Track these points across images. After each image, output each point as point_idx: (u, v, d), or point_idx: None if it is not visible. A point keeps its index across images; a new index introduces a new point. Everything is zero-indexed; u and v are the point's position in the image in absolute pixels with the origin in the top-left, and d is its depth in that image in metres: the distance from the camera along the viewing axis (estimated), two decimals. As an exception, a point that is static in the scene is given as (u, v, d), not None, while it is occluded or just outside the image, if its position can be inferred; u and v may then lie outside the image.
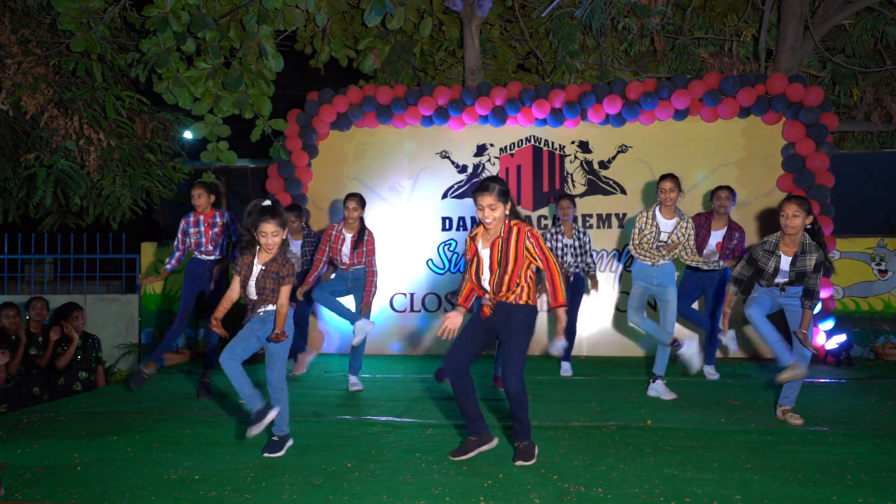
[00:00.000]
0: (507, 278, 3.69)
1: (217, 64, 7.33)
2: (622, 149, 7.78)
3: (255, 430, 3.84)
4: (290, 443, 4.01)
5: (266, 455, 3.87)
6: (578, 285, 6.46)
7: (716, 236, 5.98)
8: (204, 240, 5.54)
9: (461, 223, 7.96)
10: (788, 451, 3.94)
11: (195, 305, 5.81)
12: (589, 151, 7.85)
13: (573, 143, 7.87)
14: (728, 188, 6.02)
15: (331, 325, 7.93)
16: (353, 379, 5.85)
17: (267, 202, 3.86)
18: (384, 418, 4.80)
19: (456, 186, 8.00)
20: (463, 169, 8.00)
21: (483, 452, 3.87)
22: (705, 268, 5.50)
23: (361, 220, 5.81)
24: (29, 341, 6.51)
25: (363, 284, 5.82)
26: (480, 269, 3.79)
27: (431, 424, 4.60)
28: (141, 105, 7.73)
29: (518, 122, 7.84)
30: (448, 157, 8.04)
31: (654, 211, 5.23)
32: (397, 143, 8.12)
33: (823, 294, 6.99)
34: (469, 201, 7.93)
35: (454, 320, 3.77)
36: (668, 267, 5.22)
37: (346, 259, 5.76)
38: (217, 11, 7.13)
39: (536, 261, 3.71)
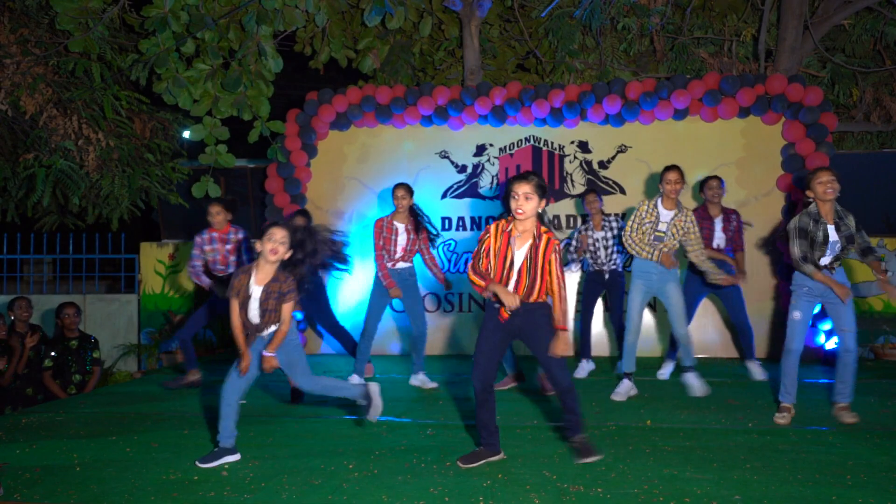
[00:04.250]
0: (537, 285, 3.64)
1: (216, 64, 7.33)
2: (621, 149, 7.78)
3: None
4: (375, 388, 4.02)
5: (373, 416, 3.97)
6: (618, 281, 6.36)
7: (717, 223, 6.01)
8: (219, 257, 5.66)
9: (461, 223, 7.95)
10: (788, 451, 3.93)
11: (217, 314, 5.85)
12: (588, 151, 7.85)
13: (573, 143, 7.87)
14: (717, 177, 6.05)
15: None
16: (421, 377, 5.92)
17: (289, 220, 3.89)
18: (384, 418, 4.79)
19: (455, 186, 8.00)
20: (462, 169, 8.00)
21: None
22: (712, 279, 5.30)
23: (411, 208, 5.81)
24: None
25: (413, 284, 5.82)
26: (509, 270, 3.65)
27: (431, 425, 4.60)
28: (140, 105, 7.73)
29: (517, 122, 7.84)
30: (448, 157, 8.03)
31: (656, 201, 5.17)
32: (397, 143, 8.11)
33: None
34: (469, 201, 7.93)
35: (514, 298, 3.60)
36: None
37: (399, 251, 5.71)
38: (216, 12, 7.13)
39: (551, 275, 3.64)
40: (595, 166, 7.82)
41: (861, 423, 4.53)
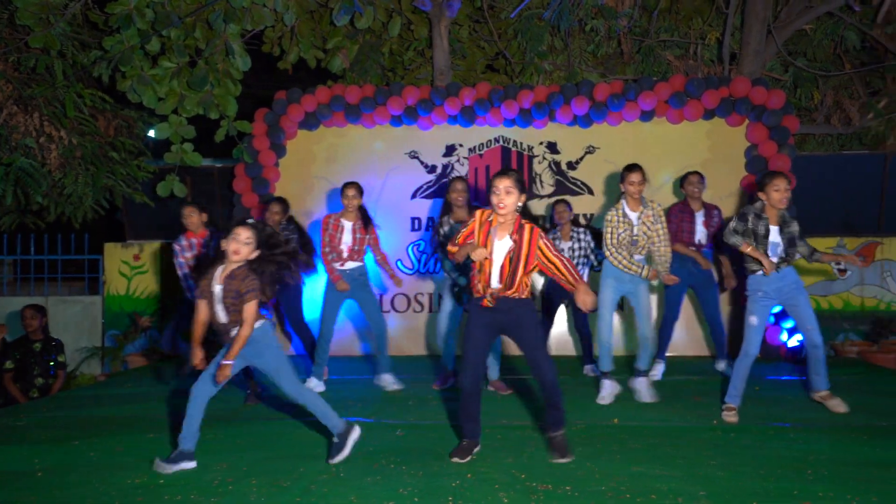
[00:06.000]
0: (518, 276, 3.73)
1: (182, 63, 7.23)
2: (590, 150, 7.85)
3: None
4: (355, 434, 3.82)
5: (337, 460, 3.72)
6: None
7: (698, 217, 6.03)
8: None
9: (430, 224, 7.96)
10: (751, 447, 4.01)
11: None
12: (557, 152, 7.90)
13: (541, 143, 7.92)
14: (698, 172, 6.10)
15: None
16: (386, 377, 5.83)
17: (249, 219, 3.77)
18: (353, 419, 4.77)
19: (425, 187, 8.00)
20: (432, 169, 8.00)
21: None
22: (661, 277, 5.26)
23: (361, 207, 5.76)
24: None
25: (364, 283, 5.75)
26: (489, 262, 3.75)
27: (400, 425, 4.60)
28: (104, 103, 7.60)
29: (487, 123, 7.87)
30: (417, 158, 8.03)
31: (622, 206, 5.12)
32: (366, 142, 8.08)
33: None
34: (438, 201, 7.92)
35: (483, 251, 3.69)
36: (640, 262, 5.20)
37: (345, 251, 5.64)
38: (182, 10, 7.03)
39: (550, 262, 3.74)
40: (564, 167, 7.88)
41: (821, 419, 4.64)
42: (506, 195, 3.67)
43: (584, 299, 3.74)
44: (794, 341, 7.10)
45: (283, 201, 6.43)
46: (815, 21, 8.76)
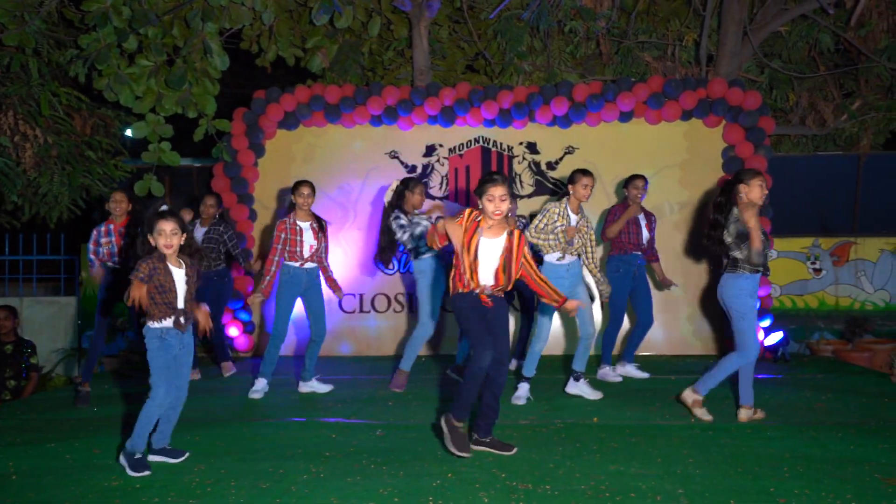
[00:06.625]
0: (512, 276, 3.88)
1: (159, 61, 7.16)
2: (569, 150, 7.89)
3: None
4: (130, 471, 3.68)
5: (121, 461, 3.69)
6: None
7: (641, 220, 6.10)
8: (116, 250, 5.43)
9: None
10: (728, 445, 4.06)
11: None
12: (536, 153, 7.93)
13: (521, 144, 7.94)
14: (643, 177, 6.12)
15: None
16: (314, 382, 5.75)
17: (163, 207, 3.76)
18: (333, 420, 4.77)
19: (405, 187, 7.98)
20: (412, 169, 8.00)
21: (431, 452, 3.94)
22: (600, 289, 5.44)
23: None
24: None
25: (318, 284, 5.69)
26: (474, 259, 3.82)
27: (380, 426, 4.59)
28: (80, 102, 7.51)
29: (467, 123, 7.88)
30: (397, 157, 8.02)
31: (565, 205, 5.19)
32: (346, 142, 8.06)
33: (761, 292, 7.21)
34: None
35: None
36: (576, 265, 5.27)
37: (307, 252, 5.55)
38: (160, 7, 6.96)
39: (529, 267, 3.95)
40: (543, 167, 7.92)
41: (797, 417, 4.70)
42: (501, 202, 3.78)
43: (570, 307, 4.09)
44: (770, 340, 7.18)
45: (217, 196, 6.45)
46: (790, 23, 8.87)
